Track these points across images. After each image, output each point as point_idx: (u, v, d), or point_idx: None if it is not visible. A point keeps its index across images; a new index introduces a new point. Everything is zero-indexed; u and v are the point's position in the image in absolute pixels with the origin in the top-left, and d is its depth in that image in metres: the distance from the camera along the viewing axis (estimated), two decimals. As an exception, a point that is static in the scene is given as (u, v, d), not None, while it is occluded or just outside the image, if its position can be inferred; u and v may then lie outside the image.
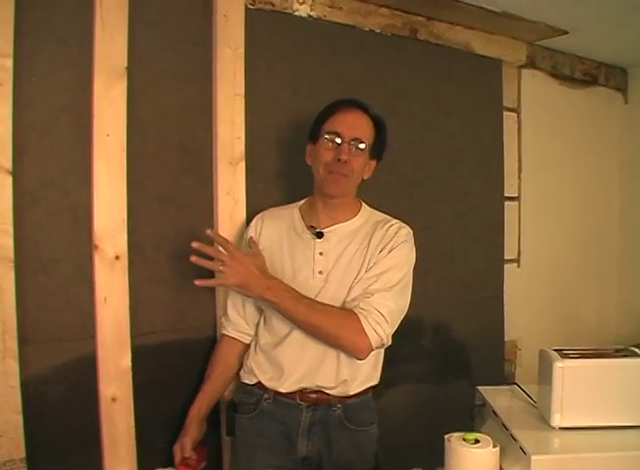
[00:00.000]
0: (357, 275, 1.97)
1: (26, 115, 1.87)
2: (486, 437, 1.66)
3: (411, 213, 2.71)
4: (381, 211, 2.13)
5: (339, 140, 1.95)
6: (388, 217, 2.10)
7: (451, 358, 3.00)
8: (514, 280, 3.29)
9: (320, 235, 2.01)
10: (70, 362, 1.97)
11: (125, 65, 1.99)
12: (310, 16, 2.45)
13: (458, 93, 2.99)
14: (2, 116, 1.79)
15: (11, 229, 1.81)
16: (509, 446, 1.73)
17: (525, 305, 3.36)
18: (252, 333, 2.11)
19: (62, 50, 1.94)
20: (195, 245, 1.82)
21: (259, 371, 2.03)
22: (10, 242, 1.81)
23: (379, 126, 2.04)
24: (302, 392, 1.98)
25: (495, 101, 3.18)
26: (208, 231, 1.89)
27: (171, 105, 2.15)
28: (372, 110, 2.03)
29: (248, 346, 2.12)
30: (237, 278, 1.85)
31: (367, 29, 2.63)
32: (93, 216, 1.95)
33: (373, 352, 1.94)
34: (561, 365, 1.77)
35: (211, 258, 1.87)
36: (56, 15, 1.93)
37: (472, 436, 1.65)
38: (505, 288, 3.24)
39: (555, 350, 1.87)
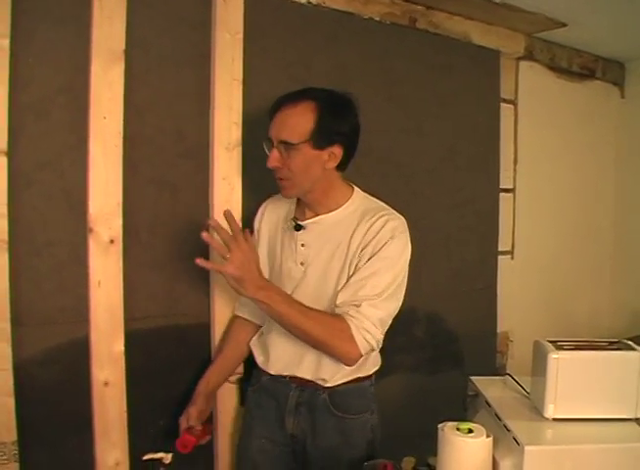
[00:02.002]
0: (340, 274, 1.92)
1: (22, 96, 1.85)
2: (480, 427, 1.66)
3: (407, 203, 2.70)
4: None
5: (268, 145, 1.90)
6: (381, 206, 1.99)
7: (444, 349, 3.01)
8: (507, 272, 3.30)
9: (298, 228, 1.97)
10: (63, 346, 1.97)
11: (123, 47, 1.98)
12: (310, 2, 2.44)
13: (456, 83, 2.99)
14: (-1, 96, 1.78)
15: (5, 211, 1.80)
16: (502, 436, 1.72)
17: (518, 298, 3.37)
18: (264, 315, 2.07)
19: (59, 31, 1.92)
20: (212, 222, 1.76)
21: (256, 353, 2.10)
22: (4, 223, 1.80)
23: (322, 108, 1.85)
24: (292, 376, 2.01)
25: (493, 92, 3.18)
26: (226, 211, 1.78)
27: (169, 89, 2.14)
28: (310, 93, 1.88)
29: (259, 327, 2.15)
30: (237, 270, 1.72)
31: (366, 17, 2.62)
32: (88, 199, 1.94)
33: None
34: (555, 356, 1.76)
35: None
36: (54, -5, 1.91)
37: (465, 425, 1.65)
38: (498, 280, 3.24)
39: (549, 341, 1.86)
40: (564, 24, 3.04)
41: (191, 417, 2.01)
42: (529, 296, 3.46)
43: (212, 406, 2.15)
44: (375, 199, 2.03)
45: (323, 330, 1.83)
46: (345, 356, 1.87)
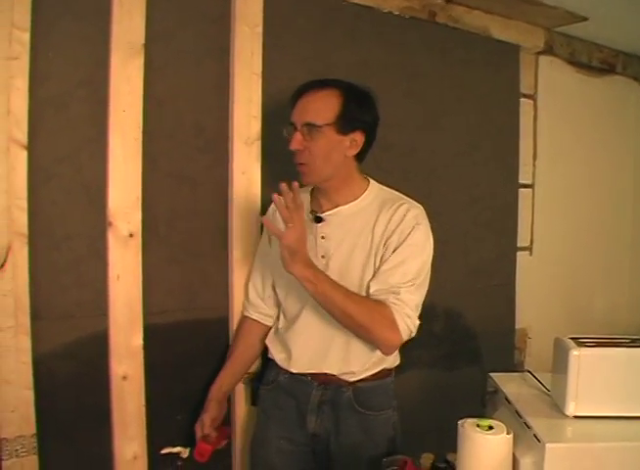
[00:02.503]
0: (365, 266, 1.92)
1: (42, 89, 1.85)
2: (500, 423, 1.65)
3: (426, 198, 2.68)
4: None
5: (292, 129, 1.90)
6: (398, 196, 2.00)
7: (462, 345, 3.00)
8: (526, 268, 3.27)
9: (318, 220, 1.97)
10: (82, 340, 1.97)
11: (143, 41, 1.97)
12: (329, -5, 2.43)
13: (475, 78, 2.97)
14: (19, 90, 1.78)
15: (25, 205, 1.80)
16: (522, 433, 1.71)
17: (536, 294, 3.34)
18: (273, 314, 2.13)
19: (79, 25, 1.92)
20: (283, 186, 1.70)
21: (274, 350, 2.08)
22: (24, 217, 1.80)
23: (347, 95, 1.88)
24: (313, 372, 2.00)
25: (512, 87, 3.16)
26: (295, 183, 1.74)
27: (188, 83, 2.13)
28: (333, 82, 1.91)
29: (269, 327, 2.14)
30: (296, 242, 1.74)
31: (385, 11, 2.60)
32: (107, 193, 1.94)
33: None
34: (577, 353, 1.75)
35: None
36: (74, -12, 1.91)
37: (485, 422, 1.64)
38: (517, 276, 3.22)
39: (571, 338, 1.85)
40: (584, 19, 3.01)
41: (205, 425, 2.02)
42: (548, 292, 3.43)
43: (225, 411, 2.12)
44: (391, 190, 2.03)
45: (367, 314, 1.83)
46: (386, 343, 1.88)
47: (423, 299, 1.93)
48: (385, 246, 1.90)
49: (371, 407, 2.00)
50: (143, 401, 2.03)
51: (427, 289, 1.95)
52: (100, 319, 1.96)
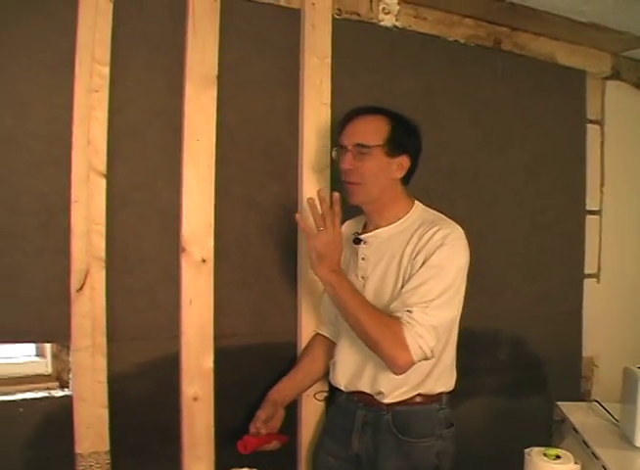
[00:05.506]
0: (394, 287, 1.92)
1: (119, 119, 1.94)
2: (568, 453, 1.64)
3: (491, 225, 2.72)
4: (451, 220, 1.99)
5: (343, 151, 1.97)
6: (439, 217, 1.98)
7: (527, 372, 2.96)
8: (593, 295, 3.22)
9: (357, 241, 2.03)
10: (155, 361, 2.03)
11: (216, 72, 2.04)
12: (395, 26, 2.47)
13: (541, 104, 2.96)
14: (98, 120, 1.87)
15: (103, 230, 1.88)
16: (590, 464, 1.70)
17: (604, 322, 3.28)
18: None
19: (155, 56, 2.01)
20: (321, 192, 1.85)
21: (330, 370, 2.15)
22: (102, 242, 1.88)
23: (394, 121, 1.96)
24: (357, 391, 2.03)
25: (579, 113, 3.13)
26: (336, 194, 1.84)
27: (259, 111, 2.20)
28: (382, 109, 1.99)
29: (335, 344, 2.15)
30: (324, 246, 1.82)
31: (451, 40, 2.64)
32: (181, 219, 2.00)
33: (424, 362, 1.85)
34: (647, 384, 1.73)
35: None
36: (150, 23, 2.01)
37: (553, 451, 1.63)
38: (584, 303, 3.18)
39: (640, 368, 1.83)
40: (652, 43, 2.98)
41: (258, 420, 2.03)
42: (615, 320, 3.36)
43: (282, 417, 2.10)
44: (434, 211, 2.03)
45: (377, 328, 1.81)
46: (393, 361, 1.81)
47: (446, 322, 1.86)
48: (411, 266, 1.89)
49: (409, 434, 1.95)
50: (212, 422, 2.07)
51: (455, 313, 1.90)
52: (172, 341, 2.02)
